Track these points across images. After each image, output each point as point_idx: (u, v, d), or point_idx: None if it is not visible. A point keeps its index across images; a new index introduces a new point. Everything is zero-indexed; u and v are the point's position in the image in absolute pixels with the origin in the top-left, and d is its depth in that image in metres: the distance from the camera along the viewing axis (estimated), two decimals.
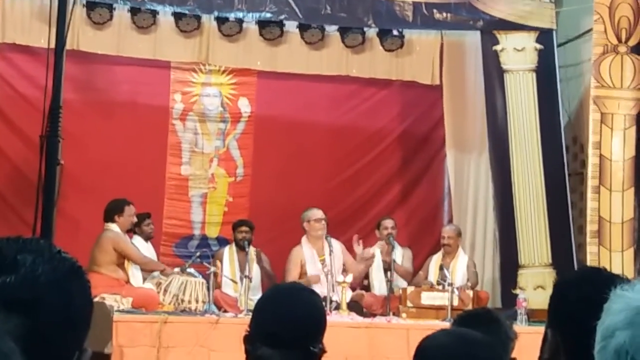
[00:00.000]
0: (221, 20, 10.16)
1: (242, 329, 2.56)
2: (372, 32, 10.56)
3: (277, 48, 10.44)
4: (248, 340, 2.52)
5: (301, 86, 10.71)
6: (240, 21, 10.20)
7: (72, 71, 8.64)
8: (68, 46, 7.14)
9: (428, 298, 9.01)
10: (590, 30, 10.01)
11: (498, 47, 10.63)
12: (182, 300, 8.52)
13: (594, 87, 9.68)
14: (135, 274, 8.82)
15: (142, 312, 8.22)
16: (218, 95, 10.67)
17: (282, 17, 10.24)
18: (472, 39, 10.80)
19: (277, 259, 9.68)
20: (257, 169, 10.67)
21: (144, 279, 8.90)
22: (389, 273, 9.40)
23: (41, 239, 1.40)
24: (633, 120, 9.65)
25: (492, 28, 10.60)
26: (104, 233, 8.76)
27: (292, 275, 9.26)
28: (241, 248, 9.44)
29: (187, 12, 10.04)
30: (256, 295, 8.29)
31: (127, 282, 8.71)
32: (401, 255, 9.91)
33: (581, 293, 2.10)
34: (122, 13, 9.97)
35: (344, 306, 8.70)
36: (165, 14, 10.11)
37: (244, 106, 10.73)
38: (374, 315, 9.02)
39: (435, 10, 10.43)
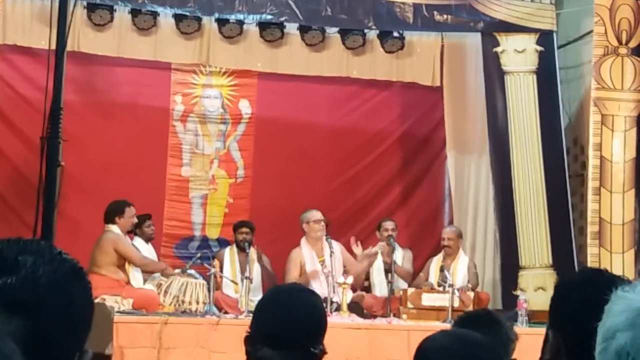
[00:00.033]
0: (222, 22, 10.16)
1: (243, 330, 2.56)
2: (372, 33, 10.56)
3: (278, 50, 10.44)
4: (249, 341, 2.52)
5: (302, 88, 10.72)
6: (240, 23, 10.21)
7: (73, 72, 8.64)
8: (69, 47, 7.14)
9: (429, 299, 9.01)
10: (590, 32, 10.01)
11: (498, 49, 10.63)
12: (183, 302, 8.52)
13: (594, 88, 9.68)
14: (135, 275, 8.82)
15: (143, 313, 8.21)
16: (219, 97, 10.68)
17: (282, 18, 10.25)
18: (473, 40, 10.81)
19: (277, 260, 9.68)
20: (258, 171, 10.67)
21: (145, 280, 8.91)
22: (389, 274, 9.39)
23: (42, 240, 1.40)
24: (633, 121, 9.65)
25: (492, 30, 10.60)
26: (104, 234, 8.76)
27: (292, 277, 9.25)
28: (242, 249, 9.44)
29: (187, 13, 10.05)
30: (257, 296, 8.29)
31: (128, 283, 8.71)
32: (401, 257, 9.92)
33: (583, 294, 2.10)
34: (122, 14, 9.97)
35: (345, 307, 8.70)
36: (166, 16, 10.12)
37: (245, 108, 10.73)
38: (375, 317, 9.02)
39: (435, 12, 10.44)
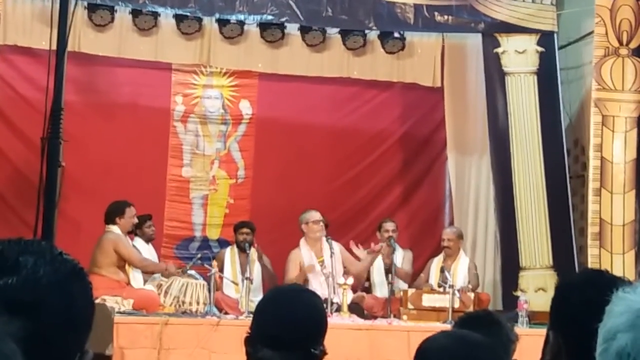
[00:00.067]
0: (222, 23, 10.16)
1: (243, 330, 2.56)
2: (373, 34, 10.56)
3: (279, 50, 10.44)
4: (249, 342, 2.52)
5: (302, 88, 10.72)
6: (241, 23, 10.21)
7: (74, 73, 8.65)
8: (69, 48, 7.14)
9: (429, 300, 9.01)
10: (591, 32, 10.01)
11: (499, 50, 10.63)
12: (183, 302, 8.52)
13: (595, 89, 9.67)
14: (136, 276, 8.82)
15: (143, 313, 8.21)
16: (219, 97, 10.68)
17: (283, 19, 10.25)
18: (474, 41, 10.80)
19: (277, 261, 9.68)
20: (258, 171, 10.67)
21: (145, 281, 8.91)
22: (389, 275, 9.39)
23: (43, 241, 1.40)
24: (634, 122, 9.65)
25: (493, 30, 10.61)
26: (104, 235, 8.76)
27: (291, 277, 9.26)
28: (242, 250, 9.44)
29: (188, 14, 10.04)
30: (257, 297, 8.29)
31: (128, 283, 8.71)
32: (401, 257, 9.91)
33: (584, 295, 2.10)
34: (123, 15, 9.97)
35: (345, 308, 8.70)
36: (167, 16, 10.12)
37: (245, 108, 10.73)
38: (375, 317, 9.02)
39: (436, 13, 10.44)
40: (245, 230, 9.56)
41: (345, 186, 10.84)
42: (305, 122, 10.75)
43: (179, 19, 10.05)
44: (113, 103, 10.30)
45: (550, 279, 10.17)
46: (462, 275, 9.60)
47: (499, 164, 10.61)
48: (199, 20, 10.10)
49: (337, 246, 9.34)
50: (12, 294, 1.28)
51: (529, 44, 10.61)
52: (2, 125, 9.87)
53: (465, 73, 10.90)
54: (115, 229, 8.76)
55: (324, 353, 2.51)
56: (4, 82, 9.93)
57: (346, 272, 9.30)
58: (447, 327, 7.02)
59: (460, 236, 9.91)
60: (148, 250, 9.41)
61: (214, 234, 10.60)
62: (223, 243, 10.30)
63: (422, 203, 11.01)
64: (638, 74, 9.69)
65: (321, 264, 9.24)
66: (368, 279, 9.88)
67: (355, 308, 9.06)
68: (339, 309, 8.72)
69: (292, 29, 10.37)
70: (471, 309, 8.54)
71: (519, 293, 9.84)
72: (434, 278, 9.70)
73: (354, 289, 9.42)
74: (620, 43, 9.68)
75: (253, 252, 9.36)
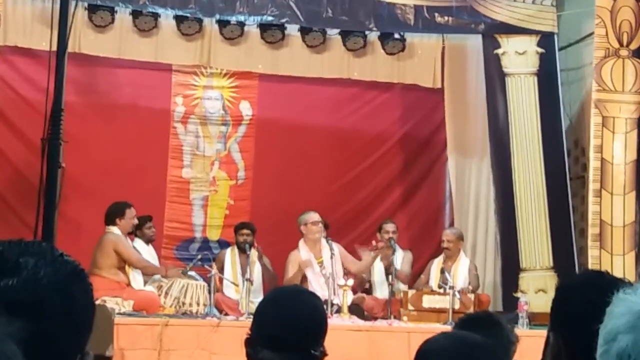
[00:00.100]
0: (223, 24, 10.16)
1: (244, 332, 2.56)
2: (373, 35, 10.56)
3: (279, 51, 10.44)
4: (249, 343, 2.52)
5: (302, 89, 10.72)
6: (241, 24, 10.21)
7: (74, 74, 8.65)
8: (70, 49, 7.13)
9: (429, 301, 9.00)
10: (591, 33, 10.01)
11: (499, 51, 10.64)
12: (183, 303, 8.52)
13: (595, 90, 9.67)
14: (136, 277, 8.82)
15: (143, 315, 8.22)
16: (219, 98, 10.68)
17: (283, 20, 10.25)
18: (474, 42, 10.81)
19: (278, 261, 9.67)
20: (259, 172, 10.67)
21: (145, 282, 8.91)
22: (390, 276, 9.39)
23: (43, 242, 1.40)
24: (634, 123, 9.65)
25: (493, 31, 10.61)
26: (105, 236, 8.76)
27: (290, 277, 9.26)
28: (242, 251, 9.44)
29: (188, 15, 10.04)
30: (257, 298, 8.29)
31: (128, 285, 8.71)
32: (401, 258, 9.90)
33: (584, 296, 2.10)
34: (123, 16, 9.97)
35: (345, 309, 8.70)
36: (167, 17, 10.12)
37: (246, 109, 10.73)
38: (375, 319, 9.01)
39: (436, 14, 10.44)
40: (245, 231, 9.55)
41: (345, 187, 10.84)
42: (305, 123, 10.75)
43: (179, 20, 10.05)
44: (113, 104, 10.30)
45: (550, 280, 10.17)
46: (462, 276, 9.60)
47: (499, 165, 10.61)
48: (199, 21, 10.10)
49: (336, 247, 9.34)
50: (13, 295, 1.28)
51: (529, 45, 10.61)
52: (3, 126, 9.87)
53: (466, 74, 10.91)
54: (115, 229, 8.76)
55: (324, 354, 2.51)
56: (4, 83, 9.93)
57: (346, 273, 9.30)
58: (448, 328, 7.01)
59: (460, 237, 9.90)
60: (148, 251, 9.41)
61: (214, 235, 10.60)
62: (223, 244, 10.30)
63: (422, 204, 11.01)
64: (638, 75, 9.68)
65: (320, 265, 9.24)
66: (368, 280, 9.87)
67: (356, 309, 9.06)
68: (339, 310, 8.72)
69: (293, 30, 10.38)
70: (471, 310, 8.54)
71: (519, 294, 9.84)
72: (434, 279, 9.69)
73: (354, 290, 9.42)
74: (621, 44, 9.68)
75: (253, 253, 9.36)
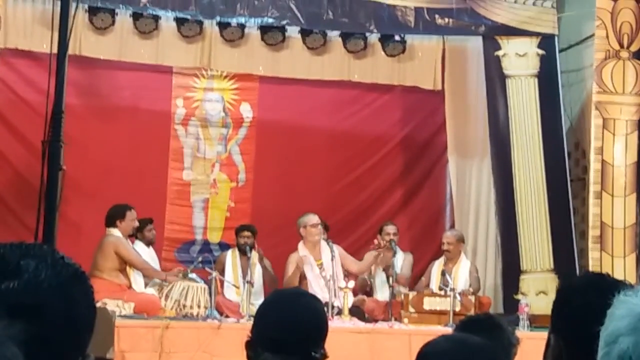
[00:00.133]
0: (223, 26, 10.17)
1: (244, 334, 2.56)
2: (374, 37, 10.56)
3: (279, 53, 10.44)
4: (250, 345, 2.51)
5: (303, 91, 10.72)
6: (242, 26, 10.21)
7: (74, 76, 8.65)
8: (70, 51, 7.13)
9: (430, 303, 9.00)
10: (592, 35, 10.01)
11: (500, 53, 10.64)
12: (184, 306, 8.51)
13: (595, 92, 9.67)
14: (137, 280, 8.82)
15: (144, 317, 8.21)
16: (220, 101, 10.68)
17: (284, 22, 10.25)
18: (474, 44, 10.81)
19: (278, 264, 9.67)
20: (259, 174, 10.67)
21: (146, 284, 8.90)
22: (390, 278, 9.39)
23: (44, 245, 1.40)
24: (635, 125, 9.65)
25: (494, 33, 10.61)
26: (105, 238, 8.76)
27: (289, 278, 9.26)
28: (243, 253, 9.43)
29: (189, 17, 10.05)
30: (258, 300, 8.29)
31: (129, 287, 8.71)
32: (402, 259, 9.90)
33: (585, 299, 2.10)
34: (124, 18, 9.98)
35: (346, 311, 8.70)
36: (168, 19, 10.13)
37: (246, 111, 10.73)
38: (376, 321, 9.00)
39: (437, 16, 10.44)
40: (246, 233, 9.55)
41: (346, 189, 10.83)
42: (305, 125, 10.75)
43: (179, 22, 10.05)
44: (114, 106, 10.30)
45: (551, 282, 10.16)
46: (463, 278, 9.59)
47: (500, 167, 10.61)
48: (200, 23, 10.10)
49: (336, 248, 9.34)
50: (14, 297, 1.28)
51: (529, 47, 10.61)
52: (3, 128, 9.88)
53: (466, 76, 10.91)
54: (116, 232, 8.76)
55: (325, 356, 2.51)
56: (4, 85, 9.94)
57: (346, 274, 9.30)
58: (448, 330, 6.99)
59: (460, 239, 9.90)
60: (149, 253, 9.40)
61: (214, 237, 10.60)
62: (224, 246, 10.30)
63: (422, 206, 11.01)
64: (639, 76, 9.69)
65: (320, 267, 9.24)
66: (369, 281, 9.87)
67: (356, 311, 9.06)
68: (339, 313, 8.72)
69: (293, 32, 10.38)
70: (472, 312, 8.53)
71: (520, 296, 9.84)
72: (435, 281, 9.69)
73: (355, 292, 9.42)
74: (621, 46, 9.68)
75: (254, 256, 9.36)
